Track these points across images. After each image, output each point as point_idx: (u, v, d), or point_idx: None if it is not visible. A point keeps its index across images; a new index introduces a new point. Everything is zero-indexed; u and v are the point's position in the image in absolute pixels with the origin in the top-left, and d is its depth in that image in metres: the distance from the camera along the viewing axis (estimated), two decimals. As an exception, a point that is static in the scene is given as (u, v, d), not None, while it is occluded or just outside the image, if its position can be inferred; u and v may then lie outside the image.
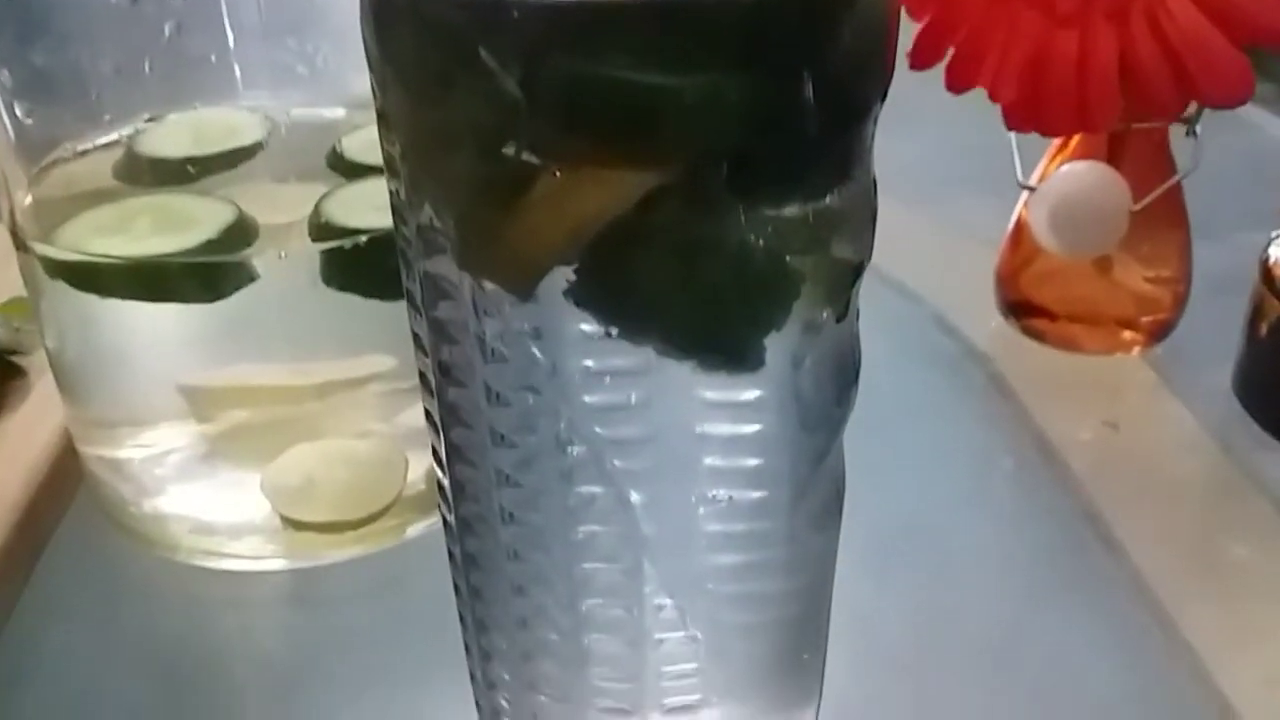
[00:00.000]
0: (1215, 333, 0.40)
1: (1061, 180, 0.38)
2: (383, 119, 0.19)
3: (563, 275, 0.18)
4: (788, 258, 0.18)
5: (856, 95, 0.18)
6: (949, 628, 0.31)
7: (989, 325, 0.43)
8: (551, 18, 0.16)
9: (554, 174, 0.17)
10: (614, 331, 0.18)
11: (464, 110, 0.17)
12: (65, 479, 0.35)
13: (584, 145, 0.17)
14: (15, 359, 0.38)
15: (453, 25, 0.17)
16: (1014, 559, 0.34)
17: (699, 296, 0.18)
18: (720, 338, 0.19)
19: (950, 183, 0.52)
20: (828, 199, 0.18)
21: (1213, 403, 0.39)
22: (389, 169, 0.19)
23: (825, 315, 0.20)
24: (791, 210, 0.18)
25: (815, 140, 0.18)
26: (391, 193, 0.20)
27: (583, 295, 0.18)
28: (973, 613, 0.31)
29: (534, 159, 0.17)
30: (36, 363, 0.37)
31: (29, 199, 0.31)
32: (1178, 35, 0.33)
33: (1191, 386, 0.40)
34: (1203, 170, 0.38)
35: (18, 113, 0.30)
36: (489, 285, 0.18)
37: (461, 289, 0.19)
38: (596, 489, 0.20)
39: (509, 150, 0.17)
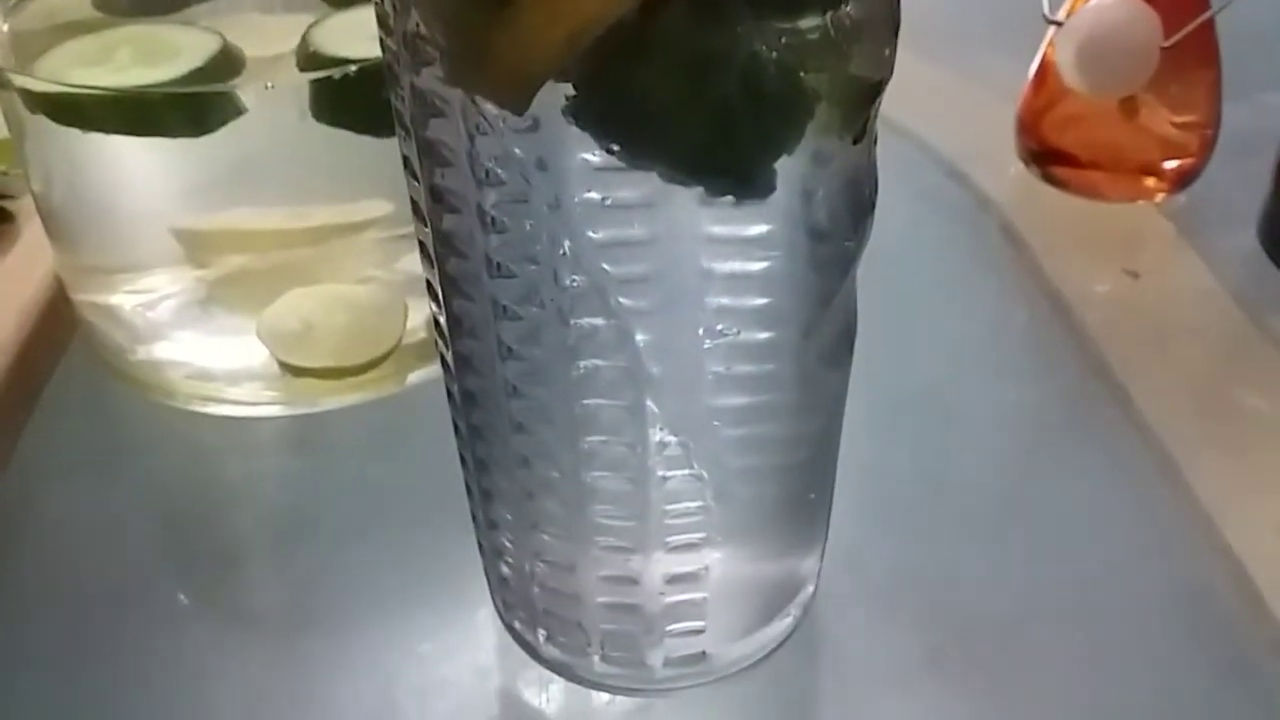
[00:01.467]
0: (1237, 191, 0.39)
1: (1090, 14, 0.36)
2: (365, -82, 0.18)
3: (561, 93, 0.17)
4: (802, 73, 0.17)
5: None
6: (956, 478, 0.31)
7: (1007, 174, 0.42)
8: None
9: (549, -28, 0.16)
10: (616, 149, 0.17)
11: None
12: (59, 326, 0.34)
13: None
14: (2, 203, 0.37)
15: None
16: (1023, 409, 0.33)
17: (705, 114, 0.17)
18: (728, 159, 0.18)
19: (967, 35, 0.51)
20: (846, 7, 0.17)
21: (1232, 256, 0.38)
22: (372, -28, 0.18)
23: (841, 140, 0.18)
24: (806, 19, 0.17)
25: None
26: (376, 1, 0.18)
27: (582, 112, 0.17)
28: (980, 463, 0.31)
29: (527, -45, 0.15)
30: (24, 207, 0.36)
31: (5, 27, 0.30)
32: None
33: (1211, 240, 0.39)
34: (1232, 31, 0.36)
35: (-14, -66, 0.29)
36: (483, 102, 0.17)
37: (452, 105, 0.17)
38: (598, 322, 0.19)
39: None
